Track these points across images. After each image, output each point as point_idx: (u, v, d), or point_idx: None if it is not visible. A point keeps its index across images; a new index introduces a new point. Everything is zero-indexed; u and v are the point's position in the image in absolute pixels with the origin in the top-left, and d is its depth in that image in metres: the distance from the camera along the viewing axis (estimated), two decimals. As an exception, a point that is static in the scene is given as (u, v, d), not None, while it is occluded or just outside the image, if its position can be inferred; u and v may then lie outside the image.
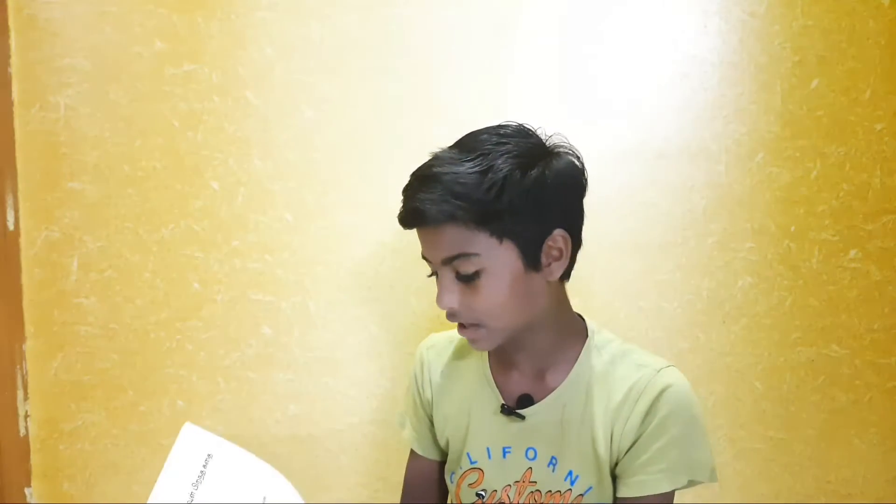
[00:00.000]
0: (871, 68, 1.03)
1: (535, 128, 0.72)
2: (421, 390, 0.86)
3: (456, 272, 0.68)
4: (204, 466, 0.63)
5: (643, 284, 1.07)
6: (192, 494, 0.60)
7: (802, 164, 1.05)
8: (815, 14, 1.02)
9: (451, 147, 0.70)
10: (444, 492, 0.88)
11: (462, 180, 0.64)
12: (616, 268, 1.06)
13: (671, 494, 0.71)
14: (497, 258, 0.67)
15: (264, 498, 0.65)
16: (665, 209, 1.06)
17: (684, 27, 1.04)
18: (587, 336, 0.77)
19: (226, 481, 0.63)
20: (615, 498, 0.73)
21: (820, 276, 1.06)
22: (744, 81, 1.04)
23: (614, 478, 0.73)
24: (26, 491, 1.10)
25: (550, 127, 0.73)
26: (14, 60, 1.04)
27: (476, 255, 0.66)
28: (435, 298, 0.70)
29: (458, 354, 0.85)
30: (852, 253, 1.06)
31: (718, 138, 1.05)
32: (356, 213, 1.07)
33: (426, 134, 1.04)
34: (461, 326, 0.72)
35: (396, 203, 0.70)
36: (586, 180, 0.72)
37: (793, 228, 1.06)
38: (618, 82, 1.05)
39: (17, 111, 1.05)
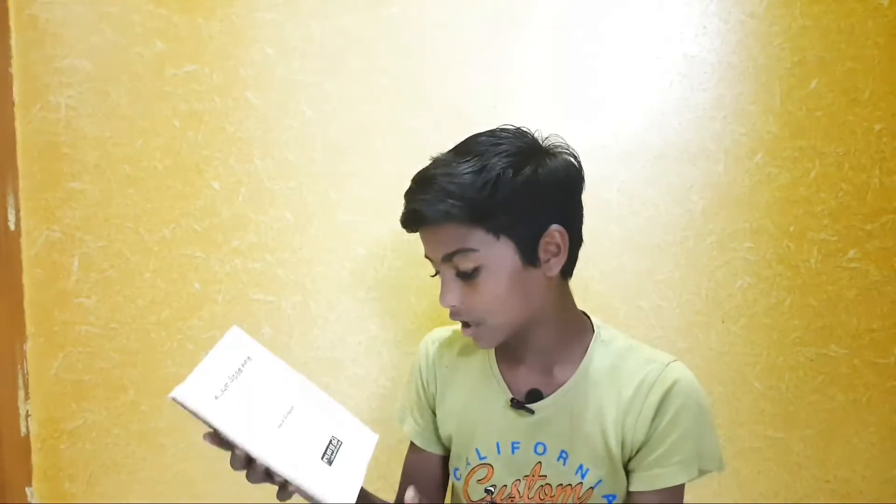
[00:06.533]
0: (870, 69, 1.03)
1: (534, 130, 0.73)
2: (425, 384, 0.86)
3: (456, 269, 0.70)
4: (242, 366, 0.66)
5: (642, 284, 1.07)
6: (226, 385, 0.63)
7: (801, 165, 1.05)
8: (814, 14, 1.03)
9: (449, 151, 0.72)
10: (442, 485, 0.88)
11: (457, 180, 0.66)
12: (615, 268, 1.07)
13: (683, 486, 0.72)
14: (495, 254, 0.68)
15: (292, 408, 0.68)
16: (664, 209, 1.06)
17: (683, 27, 1.04)
18: (593, 332, 0.78)
19: (260, 383, 0.67)
20: (629, 491, 0.74)
21: (819, 275, 1.06)
22: (743, 82, 1.04)
23: (626, 471, 0.74)
24: (27, 490, 1.10)
25: (549, 127, 0.74)
26: (15, 60, 1.04)
27: (474, 250, 0.68)
28: (435, 297, 0.71)
29: (464, 349, 0.86)
30: (851, 253, 1.06)
31: (717, 138, 1.05)
32: (356, 213, 1.07)
33: (426, 134, 1.05)
34: (464, 326, 0.73)
35: (396, 202, 0.71)
36: (583, 178, 0.74)
37: (792, 228, 1.06)
38: (617, 82, 1.05)
39: (19, 111, 1.05)
